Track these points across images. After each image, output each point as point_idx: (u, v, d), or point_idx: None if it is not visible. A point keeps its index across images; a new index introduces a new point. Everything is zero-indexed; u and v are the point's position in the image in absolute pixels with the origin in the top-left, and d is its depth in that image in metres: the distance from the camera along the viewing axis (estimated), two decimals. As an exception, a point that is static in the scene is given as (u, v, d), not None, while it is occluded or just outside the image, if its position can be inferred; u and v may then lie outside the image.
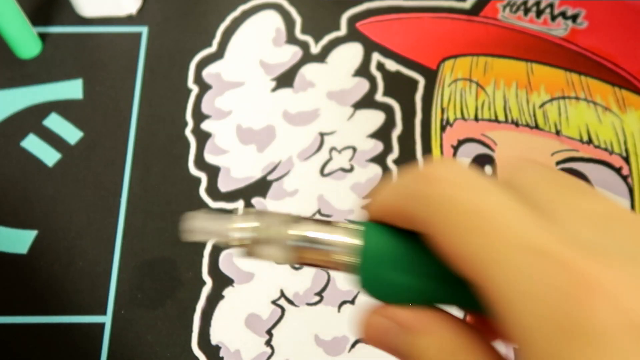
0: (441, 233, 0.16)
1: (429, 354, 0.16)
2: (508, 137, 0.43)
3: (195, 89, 0.45)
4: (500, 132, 0.43)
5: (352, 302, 0.38)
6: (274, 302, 0.38)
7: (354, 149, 0.42)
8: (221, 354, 0.37)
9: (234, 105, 0.44)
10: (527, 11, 0.47)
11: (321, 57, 0.46)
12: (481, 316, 0.18)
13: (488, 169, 0.42)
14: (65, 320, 0.38)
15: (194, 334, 0.38)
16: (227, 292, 0.39)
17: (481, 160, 0.42)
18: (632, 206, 0.40)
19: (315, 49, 0.46)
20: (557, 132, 0.42)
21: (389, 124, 0.43)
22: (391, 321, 0.17)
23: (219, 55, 0.46)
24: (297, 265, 0.22)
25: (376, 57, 0.46)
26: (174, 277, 0.39)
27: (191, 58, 0.46)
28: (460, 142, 0.43)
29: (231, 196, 0.41)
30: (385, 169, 0.42)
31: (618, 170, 0.41)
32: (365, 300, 0.18)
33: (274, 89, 0.45)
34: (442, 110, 0.44)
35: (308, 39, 0.47)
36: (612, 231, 0.15)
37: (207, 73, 0.46)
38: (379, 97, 0.44)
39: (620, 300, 0.13)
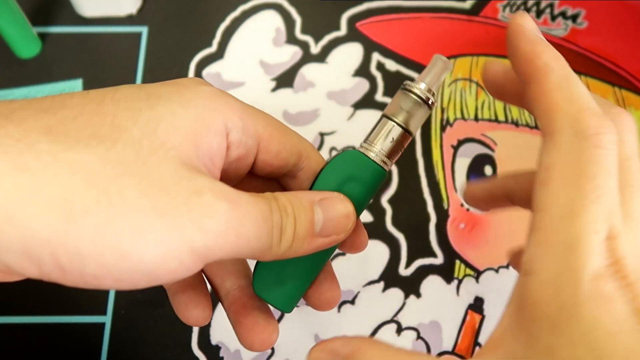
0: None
1: None
2: (508, 137, 0.43)
3: (195, 89, 0.45)
4: (500, 132, 0.43)
5: (352, 302, 0.38)
6: (274, 302, 0.38)
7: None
8: (221, 354, 0.37)
9: (234, 105, 0.44)
10: (527, 11, 0.47)
11: (321, 57, 0.46)
12: None
13: (488, 169, 0.42)
14: (65, 320, 0.38)
15: (194, 334, 0.38)
16: (227, 292, 0.39)
17: (481, 160, 0.42)
18: (632, 206, 0.40)
19: (315, 49, 0.46)
20: (557, 132, 0.42)
21: (389, 124, 0.43)
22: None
23: (219, 55, 0.46)
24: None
25: (376, 57, 0.46)
26: (174, 277, 0.39)
27: (191, 58, 0.46)
28: (460, 142, 0.43)
29: (231, 196, 0.41)
30: (385, 169, 0.42)
31: (618, 170, 0.41)
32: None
33: (274, 89, 0.45)
34: (442, 110, 0.44)
35: (308, 39, 0.47)
36: None
37: (207, 73, 0.46)
38: (379, 97, 0.44)
39: None
